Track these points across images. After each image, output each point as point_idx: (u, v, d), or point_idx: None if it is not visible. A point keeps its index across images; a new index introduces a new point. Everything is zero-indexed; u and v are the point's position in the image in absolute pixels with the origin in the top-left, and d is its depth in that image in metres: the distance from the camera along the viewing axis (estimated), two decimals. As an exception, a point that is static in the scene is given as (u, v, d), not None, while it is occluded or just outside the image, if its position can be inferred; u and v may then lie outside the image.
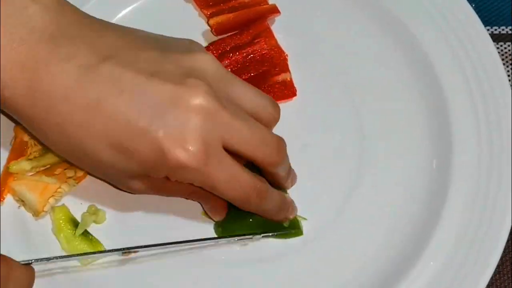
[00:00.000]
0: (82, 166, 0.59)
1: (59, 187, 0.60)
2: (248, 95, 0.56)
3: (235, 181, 0.54)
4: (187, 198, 0.60)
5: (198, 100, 0.51)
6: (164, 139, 0.51)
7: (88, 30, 0.53)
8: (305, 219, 0.61)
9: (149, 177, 0.55)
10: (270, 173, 0.57)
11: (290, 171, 0.60)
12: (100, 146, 0.52)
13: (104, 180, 0.60)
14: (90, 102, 0.51)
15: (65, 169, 0.61)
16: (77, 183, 0.62)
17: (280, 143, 0.57)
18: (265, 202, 0.57)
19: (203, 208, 0.61)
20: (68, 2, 0.55)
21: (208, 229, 0.61)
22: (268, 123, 0.57)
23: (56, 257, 0.57)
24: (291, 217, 0.60)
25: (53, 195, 0.60)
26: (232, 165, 0.54)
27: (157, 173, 0.54)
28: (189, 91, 0.51)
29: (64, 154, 0.57)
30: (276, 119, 0.58)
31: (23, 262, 0.53)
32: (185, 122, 0.51)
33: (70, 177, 0.61)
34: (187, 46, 0.56)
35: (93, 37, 0.53)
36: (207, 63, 0.54)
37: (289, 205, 0.60)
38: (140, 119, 0.51)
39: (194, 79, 0.52)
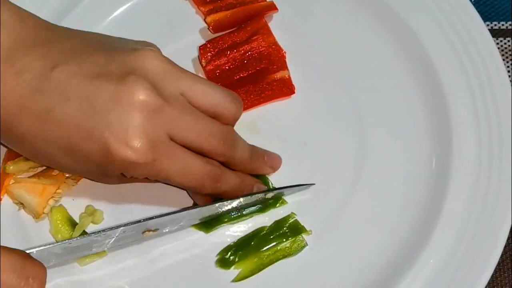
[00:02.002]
0: (56, 169, 0.60)
1: (58, 188, 0.60)
2: (198, 89, 0.56)
3: (187, 170, 0.55)
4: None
5: (139, 96, 0.52)
6: (109, 139, 0.52)
7: (43, 38, 0.55)
8: (309, 232, 0.61)
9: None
10: (228, 162, 0.58)
11: (255, 154, 0.60)
12: (57, 153, 0.54)
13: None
14: (42, 111, 0.53)
15: (62, 170, 0.61)
16: (76, 182, 0.62)
17: (227, 133, 0.57)
18: (220, 185, 0.57)
19: (190, 196, 0.61)
20: (29, 13, 0.56)
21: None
22: (227, 118, 0.57)
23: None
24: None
25: (52, 197, 0.60)
26: (183, 156, 0.55)
27: (112, 172, 0.55)
28: (130, 89, 0.52)
29: (37, 161, 0.59)
30: (234, 113, 0.57)
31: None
32: (128, 120, 0.52)
33: (68, 177, 0.61)
34: (134, 45, 0.56)
35: (46, 45, 0.54)
36: (151, 60, 0.54)
37: (251, 184, 0.60)
38: (86, 122, 0.52)
39: (134, 76, 0.53)
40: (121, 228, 0.56)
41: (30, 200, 0.60)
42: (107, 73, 0.53)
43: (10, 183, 0.60)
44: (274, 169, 0.62)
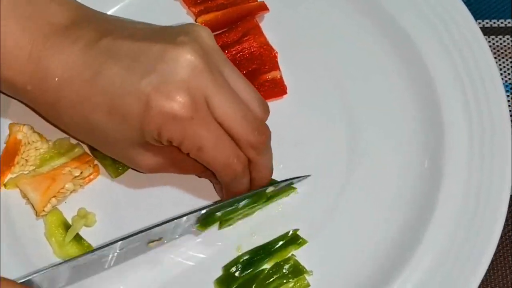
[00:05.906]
0: (94, 144, 0.60)
1: (62, 188, 0.61)
2: (238, 83, 0.56)
3: (220, 143, 0.54)
4: (199, 176, 0.61)
5: (186, 55, 0.53)
6: (150, 92, 0.52)
7: (96, 18, 0.58)
8: (310, 273, 0.60)
9: (150, 146, 0.55)
10: (252, 160, 0.57)
11: (271, 170, 0.59)
12: (101, 116, 0.54)
13: (118, 160, 0.60)
14: (91, 75, 0.54)
15: (73, 168, 0.61)
16: (85, 183, 0.62)
17: (263, 126, 0.56)
18: (243, 175, 0.57)
19: (215, 188, 0.61)
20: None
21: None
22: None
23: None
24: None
25: (55, 196, 0.60)
26: (217, 127, 0.54)
27: (149, 133, 0.54)
28: (178, 47, 0.53)
29: (76, 134, 0.60)
30: (262, 119, 0.57)
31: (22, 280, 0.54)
32: (171, 74, 0.53)
33: (76, 177, 0.61)
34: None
35: (99, 22, 0.57)
36: (204, 33, 0.55)
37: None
38: (132, 79, 0.53)
39: (184, 37, 0.54)
40: (124, 240, 0.56)
41: (32, 197, 0.60)
42: (157, 36, 0.54)
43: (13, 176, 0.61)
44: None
